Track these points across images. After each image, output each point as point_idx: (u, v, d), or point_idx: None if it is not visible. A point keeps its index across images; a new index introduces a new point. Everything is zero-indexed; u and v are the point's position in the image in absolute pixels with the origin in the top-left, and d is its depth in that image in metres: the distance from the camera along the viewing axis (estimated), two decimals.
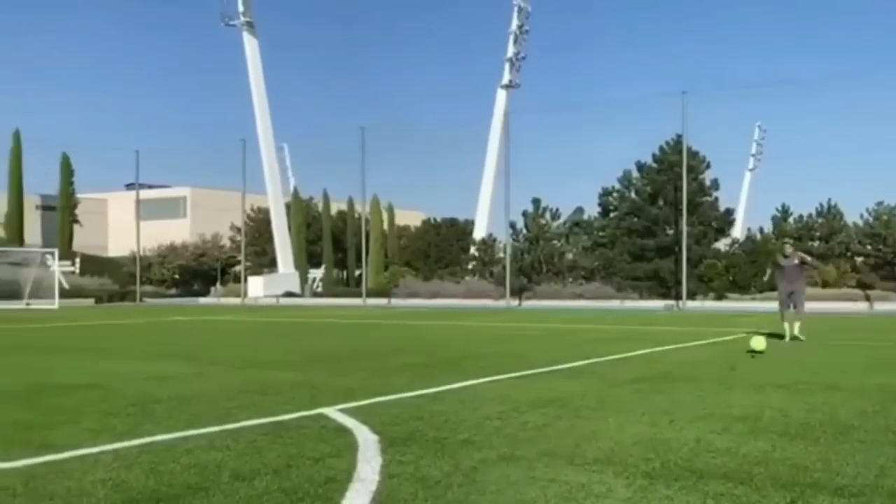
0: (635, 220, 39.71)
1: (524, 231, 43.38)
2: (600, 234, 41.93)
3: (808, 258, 15.17)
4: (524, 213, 43.59)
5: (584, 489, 4.15)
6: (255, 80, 47.09)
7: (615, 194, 41.70)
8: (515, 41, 48.66)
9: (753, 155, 69.48)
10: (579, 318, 24.26)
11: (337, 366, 10.60)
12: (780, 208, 44.68)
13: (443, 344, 14.69)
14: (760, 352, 11.28)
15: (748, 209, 63.90)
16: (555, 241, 43.28)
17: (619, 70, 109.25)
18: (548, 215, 43.64)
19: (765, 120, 68.68)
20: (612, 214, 41.67)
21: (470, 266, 46.46)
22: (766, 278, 16.84)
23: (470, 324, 21.81)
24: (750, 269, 35.57)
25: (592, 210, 43.26)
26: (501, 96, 49.23)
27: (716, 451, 5.04)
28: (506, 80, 48.98)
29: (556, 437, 5.51)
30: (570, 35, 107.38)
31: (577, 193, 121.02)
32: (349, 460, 4.81)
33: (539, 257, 41.96)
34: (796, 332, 14.12)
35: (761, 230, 44.06)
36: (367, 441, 5.37)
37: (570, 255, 42.90)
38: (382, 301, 41.73)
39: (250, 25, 46.87)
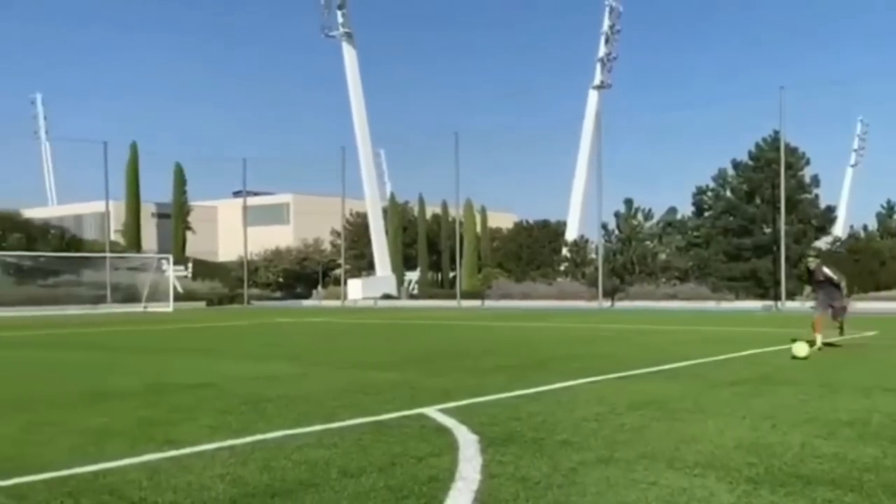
0: (731, 218, 38.59)
1: (616, 232, 42.76)
2: (694, 233, 40.94)
3: (834, 277, 12.78)
4: (616, 214, 42.97)
5: (685, 493, 4.07)
6: (353, 89, 47.98)
7: (710, 193, 40.63)
8: (607, 41, 48.01)
9: (855, 150, 66.59)
10: (673, 319, 23.74)
11: (434, 366, 10.68)
12: (885, 205, 42.71)
13: (536, 345, 14.62)
14: (804, 358, 10.46)
15: (850, 206, 61.25)
16: (647, 242, 42.51)
17: (714, 67, 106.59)
18: (640, 216, 42.91)
19: (867, 115, 65.72)
20: (706, 213, 40.62)
21: (562, 267, 46.08)
22: (805, 295, 14.10)
23: (563, 325, 21.64)
24: (853, 268, 34.10)
25: (686, 209, 42.33)
26: (593, 97, 48.68)
27: (822, 457, 4.86)
28: (597, 80, 48.40)
29: (655, 439, 5.42)
30: (663, 34, 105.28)
31: (669, 193, 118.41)
32: (450, 459, 4.84)
33: (631, 258, 41.28)
34: (830, 339, 12.62)
35: (865, 228, 42.20)
36: (467, 441, 5.40)
37: (663, 256, 42.05)
38: (476, 302, 41.82)
39: (349, 36, 47.79)
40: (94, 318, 30.92)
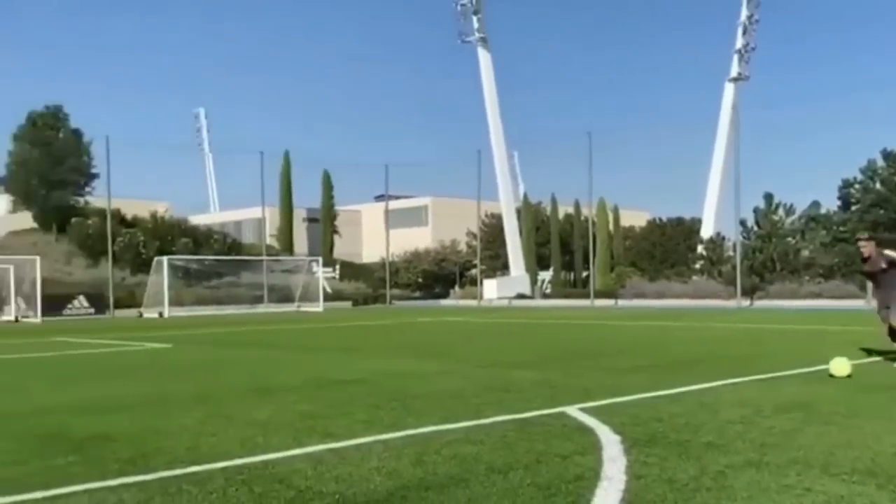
0: (881, 212, 36.19)
1: (755, 228, 40.96)
2: (840, 228, 38.64)
3: (884, 261, 9.74)
4: (755, 210, 41.19)
5: (843, 501, 3.86)
6: (488, 93, 48.26)
7: (857, 186, 38.26)
8: (745, 32, 46.06)
9: None
10: (819, 318, 22.51)
11: (572, 365, 10.60)
12: None
13: (674, 345, 14.23)
14: (847, 376, 8.35)
15: None
16: (789, 238, 40.49)
17: (860, 54, 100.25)
18: (781, 211, 40.94)
19: None
20: (853, 207, 38.28)
21: (697, 265, 44.61)
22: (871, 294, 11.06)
23: (700, 324, 20.95)
24: None
25: (830, 203, 40.05)
26: (729, 90, 46.84)
27: None
28: (734, 72, 46.53)
29: (807, 443, 5.16)
30: (803, 21, 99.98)
31: (812, 187, 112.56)
32: (595, 459, 4.80)
33: (772, 255, 39.42)
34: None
35: None
36: (610, 441, 5.33)
37: (806, 252, 39.94)
38: (609, 302, 41.11)
39: (484, 41, 48.14)
40: (253, 317, 32.53)
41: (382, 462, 4.78)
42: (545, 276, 52.34)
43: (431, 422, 6.13)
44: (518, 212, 51.46)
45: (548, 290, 49.91)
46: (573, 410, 6.59)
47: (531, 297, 47.15)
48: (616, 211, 55.04)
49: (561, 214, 55.00)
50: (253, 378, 9.72)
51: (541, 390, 7.92)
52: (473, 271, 52.56)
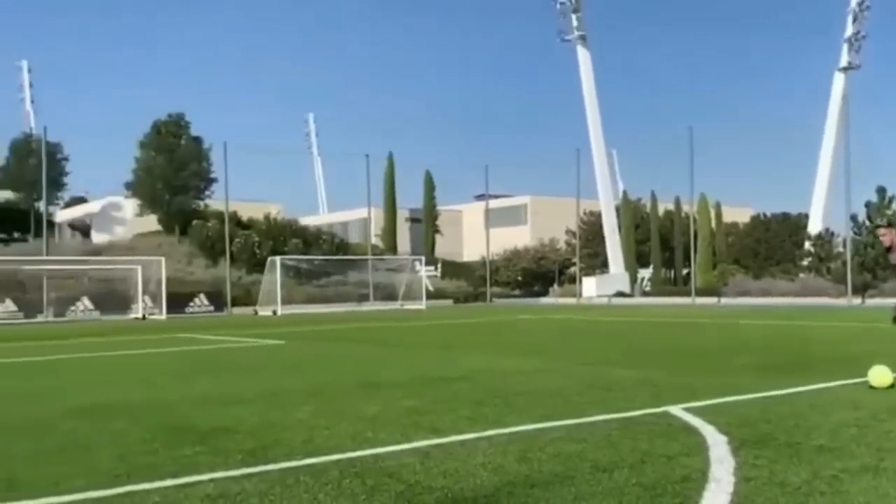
0: None
1: (867, 223, 38.91)
2: None
3: None
4: (867, 204, 39.15)
5: None
6: (587, 91, 47.68)
7: None
8: (855, 19, 43.80)
9: None
10: None
11: (674, 364, 10.35)
12: None
13: (781, 344, 13.68)
14: (890, 387, 7.24)
15: None
16: None
17: None
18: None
19: None
20: None
21: (804, 262, 42.74)
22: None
23: (808, 323, 20.07)
24: None
25: None
26: (839, 80, 44.65)
27: None
28: (844, 62, 44.31)
29: None
30: None
31: None
32: (701, 460, 4.67)
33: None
34: None
35: None
36: (717, 441, 5.18)
37: None
38: (711, 300, 39.88)
39: (583, 39, 47.62)
40: (359, 314, 33.22)
41: (488, 458, 4.80)
42: (645, 273, 51.27)
43: (533, 419, 6.10)
44: (617, 209, 50.61)
45: (647, 288, 48.86)
46: (677, 410, 6.43)
47: (630, 295, 46.27)
48: (718, 207, 53.35)
49: (661, 211, 53.74)
50: (360, 374, 9.92)
51: (643, 389, 7.77)
52: (572, 269, 52.02)
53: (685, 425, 5.81)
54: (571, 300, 45.74)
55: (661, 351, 12.66)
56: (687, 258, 46.77)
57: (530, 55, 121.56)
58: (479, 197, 59.62)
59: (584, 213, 52.99)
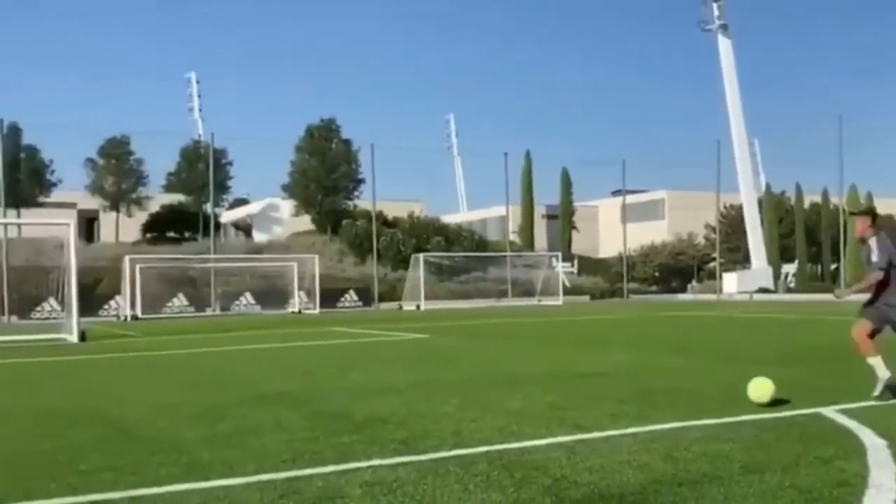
0: None
1: None
2: None
3: (875, 255, 6.78)
4: None
5: None
6: (728, 81, 45.73)
7: None
8: None
9: None
10: None
11: (824, 364, 9.75)
12: None
13: None
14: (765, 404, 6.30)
15: None
16: None
17: None
18: None
19: None
20: None
21: None
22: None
23: None
24: None
25: None
26: None
27: None
28: None
29: None
30: None
31: None
32: (860, 464, 4.39)
33: None
34: (882, 374, 6.72)
35: None
36: (875, 445, 4.84)
37: None
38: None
39: (724, 28, 45.74)
40: (498, 310, 33.37)
41: (632, 455, 4.71)
42: (789, 269, 48.50)
43: (677, 417, 5.93)
44: (759, 202, 48.15)
45: (792, 284, 46.20)
46: (829, 412, 6.07)
47: (774, 291, 43.90)
48: (870, 198, 49.66)
49: (806, 204, 50.68)
50: (501, 368, 9.98)
51: (792, 389, 7.35)
52: (712, 265, 49.98)
53: (840, 427, 5.48)
54: (711, 296, 43.95)
55: (809, 349, 11.95)
56: (835, 252, 43.84)
57: (667, 47, 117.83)
58: (616, 193, 58.39)
59: (724, 207, 50.74)
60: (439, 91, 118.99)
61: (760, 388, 6.42)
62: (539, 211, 57.19)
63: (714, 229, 49.48)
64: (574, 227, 55.33)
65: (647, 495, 3.89)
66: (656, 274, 54.02)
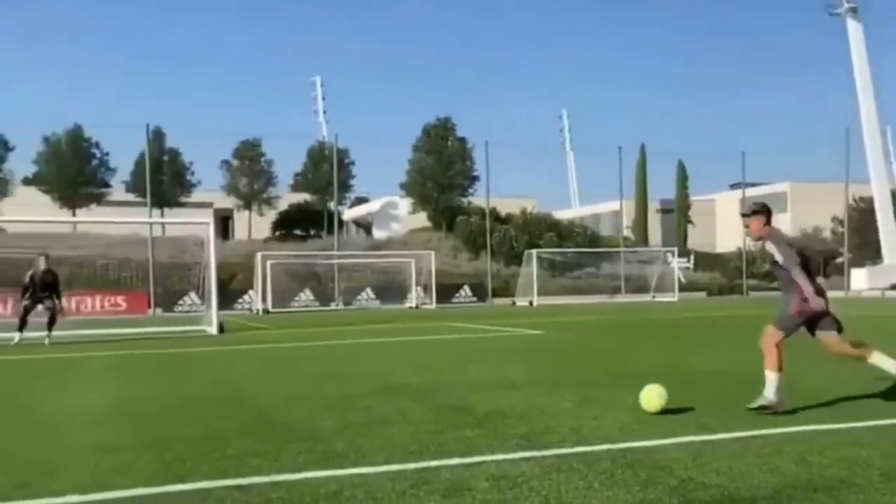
0: None
1: None
2: None
3: (777, 255, 6.14)
4: None
5: None
6: (858, 66, 43.07)
7: None
8: None
9: None
10: None
11: None
12: None
13: None
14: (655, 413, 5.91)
15: None
16: None
17: None
18: None
19: None
20: None
21: None
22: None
23: None
24: None
25: None
26: None
27: None
28: None
29: None
30: None
31: None
32: None
33: None
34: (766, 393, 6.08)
35: None
36: None
37: None
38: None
39: (854, 11, 43.10)
40: (611, 306, 32.77)
41: (762, 458, 4.52)
42: None
43: (809, 420, 5.65)
44: (893, 194, 45.03)
45: None
46: None
47: None
48: None
49: None
50: (618, 364, 9.79)
51: None
52: (839, 260, 47.16)
53: None
54: (839, 293, 41.40)
55: None
56: None
57: (789, 34, 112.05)
58: (735, 186, 56.02)
59: (854, 199, 47.78)
60: (553, 87, 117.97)
61: (650, 398, 6.01)
62: (653, 205, 55.66)
63: (841, 222, 46.70)
64: (690, 222, 53.58)
65: (781, 500, 3.73)
66: None
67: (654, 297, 39.09)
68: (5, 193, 46.07)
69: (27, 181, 49.28)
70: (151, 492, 4.00)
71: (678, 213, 53.20)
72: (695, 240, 53.22)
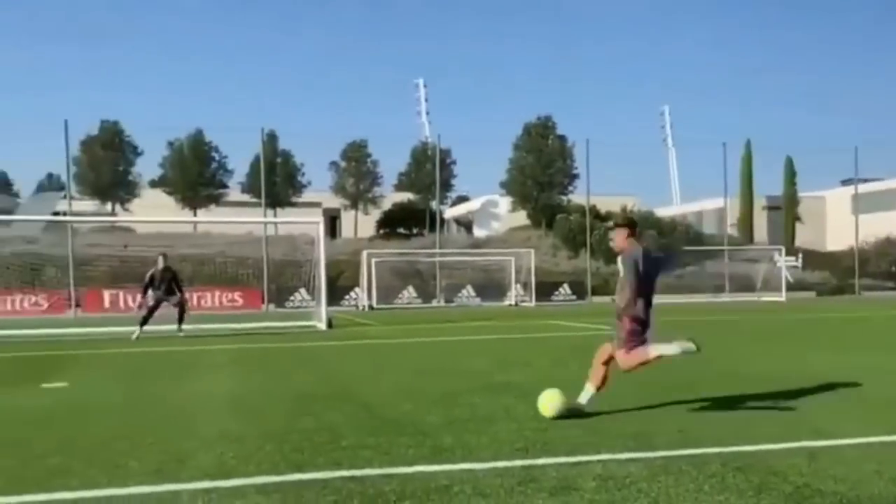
0: None
1: None
2: None
3: (621, 271, 5.92)
4: None
5: None
6: None
7: None
8: None
9: None
10: None
11: None
12: None
13: None
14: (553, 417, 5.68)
15: None
16: None
17: None
18: None
19: None
20: None
21: None
22: None
23: None
24: None
25: None
26: None
27: None
28: None
29: None
30: None
31: None
32: None
33: None
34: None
35: None
36: None
37: None
38: None
39: None
40: (715, 305, 31.66)
41: (883, 466, 4.27)
42: None
43: None
44: None
45: None
46: None
47: None
48: None
49: None
50: (725, 365, 9.46)
51: None
52: None
53: None
54: None
55: None
56: None
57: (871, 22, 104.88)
58: (846, 182, 52.98)
59: None
60: (654, 82, 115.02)
61: (547, 401, 5.82)
62: (759, 202, 53.36)
63: None
64: (798, 219, 51.07)
65: None
66: (893, 269, 48.36)
67: (759, 296, 37.48)
68: (135, 195, 49.02)
69: (153, 183, 52.27)
70: (273, 480, 4.16)
71: (786, 211, 50.81)
72: (803, 238, 50.69)
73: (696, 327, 17.29)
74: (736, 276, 40.38)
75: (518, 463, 4.46)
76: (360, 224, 52.31)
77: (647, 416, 5.87)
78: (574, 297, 37.29)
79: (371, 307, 31.95)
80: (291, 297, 33.08)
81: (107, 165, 47.04)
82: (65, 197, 39.78)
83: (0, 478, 4.25)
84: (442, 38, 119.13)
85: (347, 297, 34.20)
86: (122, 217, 46.52)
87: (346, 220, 55.01)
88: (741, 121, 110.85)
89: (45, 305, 30.06)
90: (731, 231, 48.72)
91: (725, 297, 37.67)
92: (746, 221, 50.00)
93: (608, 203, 48.47)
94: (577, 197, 46.71)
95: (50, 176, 71.59)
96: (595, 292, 38.01)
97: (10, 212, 50.35)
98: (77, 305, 30.32)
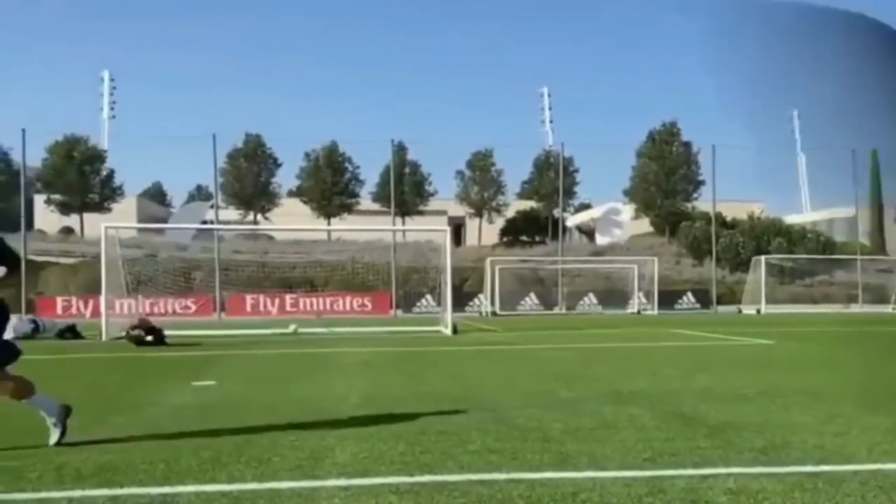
0: None
1: None
2: None
3: None
4: None
5: None
6: None
7: None
8: None
9: None
10: None
11: None
12: None
13: None
14: None
15: None
16: None
17: None
18: None
19: None
20: None
21: None
22: None
23: None
24: None
25: None
26: None
27: None
28: None
29: None
30: None
31: None
32: None
33: None
34: None
35: None
36: None
37: None
38: None
39: None
40: (847, 316, 29.58)
41: None
42: None
43: None
44: None
45: None
46: None
47: None
48: None
49: None
50: (863, 379, 8.81)
51: None
52: None
53: None
54: None
55: None
56: None
57: None
58: None
59: None
60: (781, 86, 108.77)
61: None
62: (890, 213, 49.50)
63: None
64: None
65: None
66: None
67: (894, 308, 34.65)
68: (275, 204, 51.57)
69: (291, 193, 54.76)
70: (405, 480, 4.24)
71: None
72: None
73: (829, 338, 16.20)
74: (870, 286, 37.55)
75: (645, 473, 4.34)
76: (484, 232, 52.61)
77: (778, 430, 5.56)
78: (698, 305, 35.90)
79: (494, 313, 32.00)
80: (418, 303, 33.66)
81: (250, 177, 49.78)
82: (213, 206, 42.40)
83: (158, 468, 4.54)
84: (565, 46, 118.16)
85: (471, 303, 34.44)
86: (263, 225, 49.06)
87: (471, 227, 55.47)
88: (873, 125, 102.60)
89: (194, 308, 32.08)
90: (864, 240, 45.41)
91: (858, 308, 35.11)
92: (875, 231, 46.54)
93: (734, 209, 46.35)
94: (702, 203, 44.99)
95: (199, 188, 76.37)
96: (720, 301, 36.44)
97: (164, 221, 54.13)
98: (222, 309, 32.12)
